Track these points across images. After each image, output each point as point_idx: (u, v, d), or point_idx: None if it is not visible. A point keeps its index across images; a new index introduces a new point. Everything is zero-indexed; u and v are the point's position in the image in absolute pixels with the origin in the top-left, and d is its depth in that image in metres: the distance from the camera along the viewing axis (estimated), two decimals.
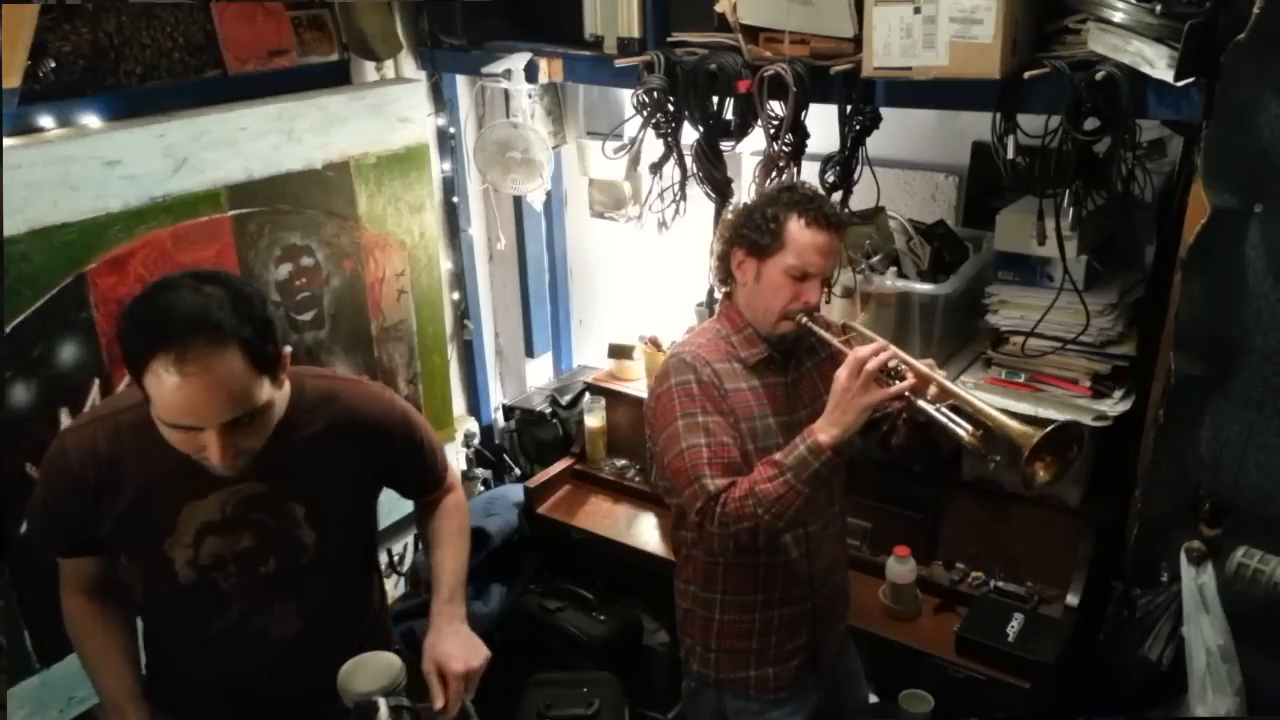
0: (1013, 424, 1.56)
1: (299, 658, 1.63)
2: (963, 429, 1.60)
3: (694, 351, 1.78)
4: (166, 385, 1.33)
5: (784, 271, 1.71)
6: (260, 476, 1.54)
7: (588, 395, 3.06)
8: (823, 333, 1.76)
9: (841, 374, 1.62)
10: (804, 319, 1.74)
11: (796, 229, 1.70)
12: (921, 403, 1.63)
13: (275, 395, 1.46)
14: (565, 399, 3.17)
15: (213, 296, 1.36)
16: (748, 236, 1.74)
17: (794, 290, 1.72)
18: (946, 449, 1.81)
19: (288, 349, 1.48)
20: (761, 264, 1.74)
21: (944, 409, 1.62)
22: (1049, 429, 1.52)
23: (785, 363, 1.84)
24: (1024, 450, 1.52)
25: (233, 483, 1.52)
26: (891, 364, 1.63)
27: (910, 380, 1.62)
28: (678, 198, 2.44)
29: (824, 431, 1.62)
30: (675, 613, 2.00)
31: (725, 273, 1.82)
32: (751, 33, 2.18)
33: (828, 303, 2.19)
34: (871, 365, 1.59)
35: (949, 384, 1.64)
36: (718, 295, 2.04)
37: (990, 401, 2.22)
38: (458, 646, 1.62)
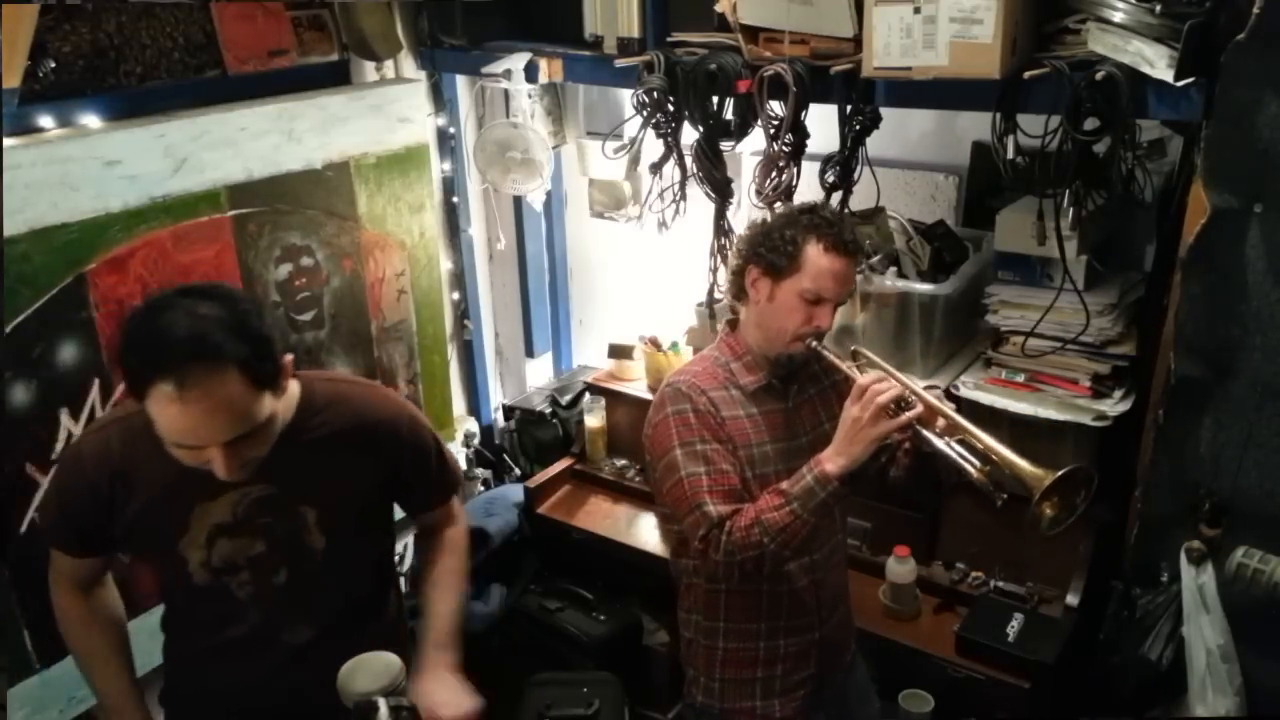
0: (1024, 464, 1.51)
1: (311, 665, 1.63)
2: (970, 464, 1.58)
3: (689, 381, 1.76)
4: (168, 411, 1.34)
5: (798, 294, 1.69)
6: (269, 479, 1.55)
7: (588, 395, 3.05)
8: (832, 357, 1.74)
9: (851, 405, 1.60)
10: (813, 343, 1.72)
11: (815, 253, 1.68)
12: (929, 434, 1.61)
13: (277, 406, 1.47)
14: (565, 399, 3.17)
15: (208, 318, 1.35)
16: (764, 256, 1.71)
17: (807, 313, 1.70)
18: (949, 482, 1.79)
19: (288, 357, 1.48)
20: (776, 285, 1.71)
21: (952, 443, 1.60)
22: (1061, 473, 1.48)
23: (785, 389, 1.82)
24: (1035, 493, 1.49)
25: (243, 485, 1.53)
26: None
27: (918, 410, 1.60)
28: (678, 198, 2.44)
29: (831, 462, 1.60)
30: (679, 642, 1.98)
31: (739, 289, 1.79)
32: (751, 33, 2.18)
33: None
34: (883, 399, 1.57)
35: (958, 417, 1.62)
36: (721, 299, 2.01)
37: (993, 404, 2.22)
38: (450, 694, 1.62)
